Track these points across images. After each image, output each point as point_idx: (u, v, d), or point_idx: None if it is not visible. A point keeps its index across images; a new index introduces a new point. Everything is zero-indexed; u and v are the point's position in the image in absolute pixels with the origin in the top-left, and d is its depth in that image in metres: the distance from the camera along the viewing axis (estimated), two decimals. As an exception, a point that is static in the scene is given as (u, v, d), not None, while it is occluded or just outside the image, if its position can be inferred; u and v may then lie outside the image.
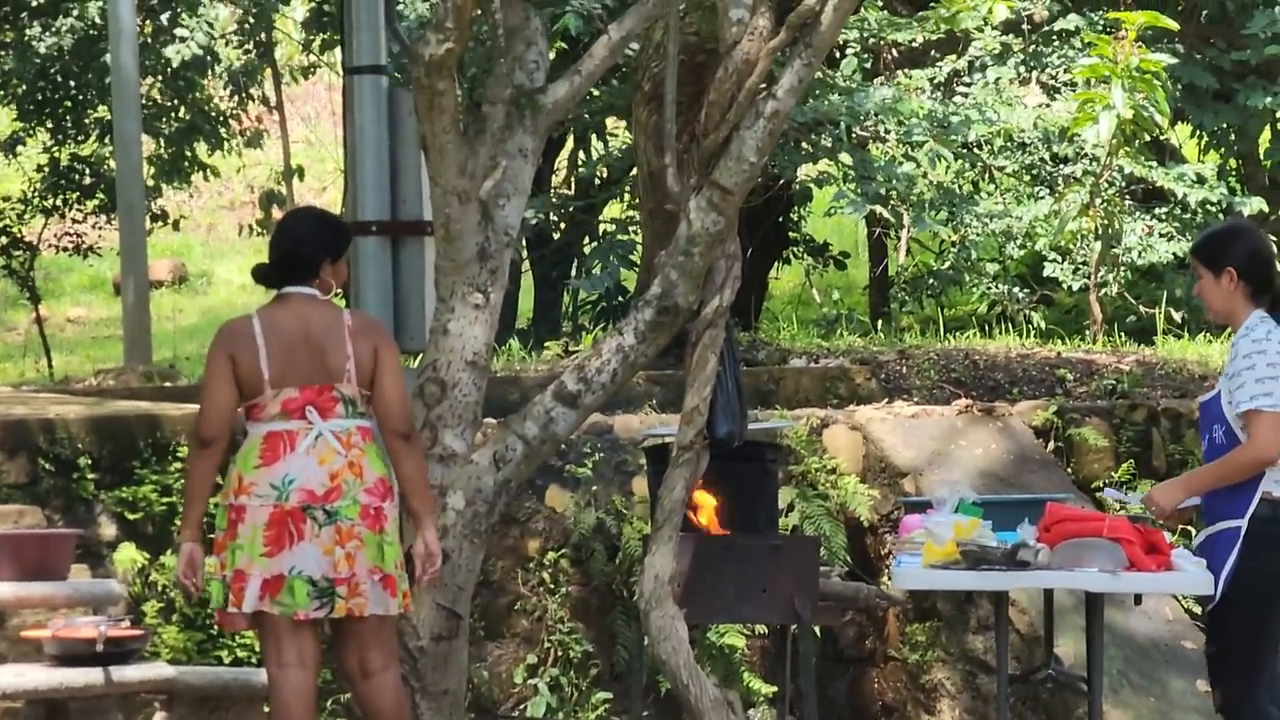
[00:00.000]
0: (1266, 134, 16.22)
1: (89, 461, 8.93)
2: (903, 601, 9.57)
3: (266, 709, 7.59)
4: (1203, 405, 6.65)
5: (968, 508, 7.07)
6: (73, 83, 18.05)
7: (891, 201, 14.13)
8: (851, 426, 10.16)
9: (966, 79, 14.76)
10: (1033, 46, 15.05)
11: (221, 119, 19.38)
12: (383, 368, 6.47)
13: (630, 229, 14.89)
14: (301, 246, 6.55)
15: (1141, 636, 9.23)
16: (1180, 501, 6.64)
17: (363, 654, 6.49)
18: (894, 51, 15.49)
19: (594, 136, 16.82)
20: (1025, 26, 15.20)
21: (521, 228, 7.68)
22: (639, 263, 13.38)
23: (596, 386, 7.20)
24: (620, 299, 14.95)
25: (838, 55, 14.68)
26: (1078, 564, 6.60)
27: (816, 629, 8.71)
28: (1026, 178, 14.94)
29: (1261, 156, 16.25)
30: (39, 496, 8.81)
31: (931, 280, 15.33)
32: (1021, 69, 14.89)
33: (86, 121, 18.20)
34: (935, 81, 14.66)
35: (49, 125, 18.22)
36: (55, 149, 18.20)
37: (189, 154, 19.06)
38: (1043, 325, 14.77)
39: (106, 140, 17.49)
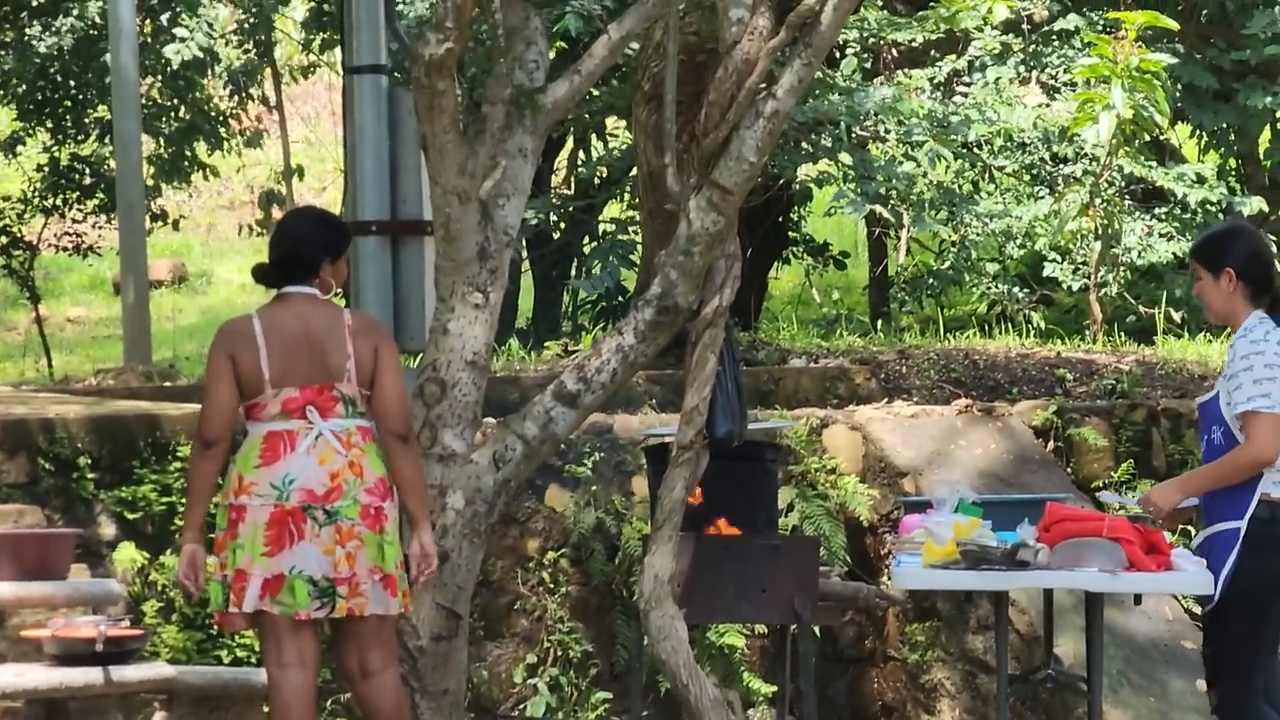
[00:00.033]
0: (1266, 134, 16.22)
1: (89, 461, 8.93)
2: (902, 601, 9.57)
3: (266, 709, 7.58)
4: (1201, 406, 6.66)
5: (967, 507, 7.07)
6: (72, 82, 18.05)
7: (891, 201, 14.13)
8: (851, 426, 10.16)
9: (966, 79, 14.76)
10: (1032, 46, 15.05)
11: (221, 119, 19.39)
12: (382, 368, 6.47)
13: (630, 229, 14.88)
14: (301, 246, 6.55)
15: (1141, 636, 9.24)
16: (1178, 502, 6.64)
17: (362, 654, 6.49)
18: (894, 51, 15.49)
19: (594, 136, 16.82)
20: (1025, 26, 15.20)
21: (521, 227, 7.68)
22: (639, 263, 13.38)
23: (596, 386, 7.20)
24: (620, 299, 14.95)
25: (837, 55, 14.68)
26: (1077, 564, 6.60)
27: (816, 629, 8.72)
28: (1026, 177, 14.95)
29: (1261, 156, 16.25)
30: (39, 496, 8.81)
31: (931, 280, 15.33)
32: (1021, 69, 14.89)
33: (86, 121, 18.20)
34: (935, 81, 14.66)
35: (49, 125, 18.23)
36: (55, 149, 18.21)
37: (189, 154, 19.07)
38: (1042, 325, 14.78)
39: (106, 140, 17.49)
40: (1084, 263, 14.16)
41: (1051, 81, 14.98)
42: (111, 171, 16.68)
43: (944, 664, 9.57)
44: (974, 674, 9.46)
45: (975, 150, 14.69)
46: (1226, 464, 6.46)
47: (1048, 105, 14.73)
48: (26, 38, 17.78)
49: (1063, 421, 10.40)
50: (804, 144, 13.95)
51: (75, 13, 17.73)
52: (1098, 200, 13.77)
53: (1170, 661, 9.12)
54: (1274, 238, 14.18)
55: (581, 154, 17.31)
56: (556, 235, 16.29)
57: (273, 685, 6.48)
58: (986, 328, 14.70)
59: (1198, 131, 16.17)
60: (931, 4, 14.17)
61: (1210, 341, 13.01)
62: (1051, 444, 10.35)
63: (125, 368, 13.37)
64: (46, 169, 18.08)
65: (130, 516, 8.93)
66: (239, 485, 6.38)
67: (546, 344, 13.05)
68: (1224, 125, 15.60)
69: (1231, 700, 6.49)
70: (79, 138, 18.20)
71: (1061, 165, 14.71)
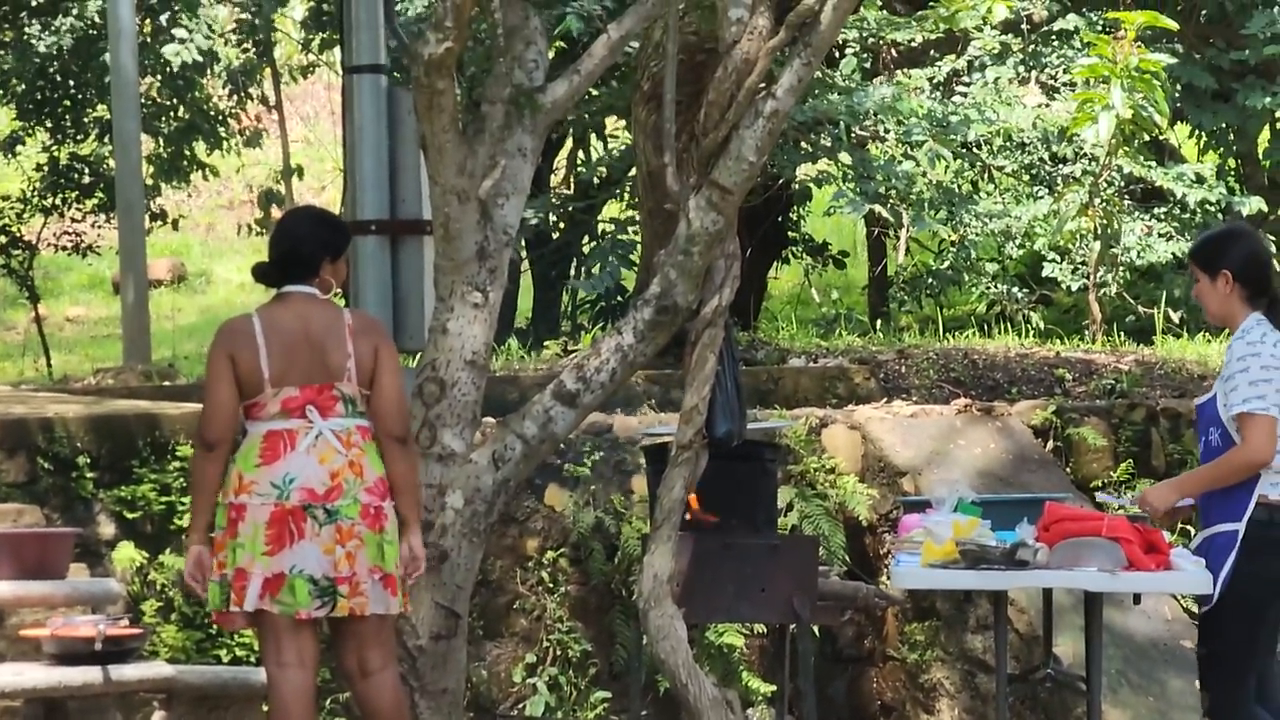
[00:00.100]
0: (1265, 134, 16.22)
1: (88, 460, 8.93)
2: (901, 601, 9.58)
3: (265, 708, 7.58)
4: (1199, 408, 6.66)
5: (966, 507, 7.07)
6: (72, 82, 18.06)
7: (891, 201, 14.14)
8: (850, 426, 10.16)
9: (966, 79, 14.77)
10: (1032, 46, 15.06)
11: (220, 118, 19.39)
12: (382, 367, 6.47)
13: (630, 229, 14.89)
14: (301, 245, 6.55)
15: (1140, 636, 9.24)
16: (1173, 502, 6.64)
17: (362, 653, 6.49)
18: (893, 51, 15.50)
19: (593, 136, 16.83)
20: (1024, 26, 15.21)
21: (521, 227, 7.68)
22: (638, 262, 13.38)
23: (595, 386, 7.20)
24: (619, 298, 14.96)
25: (837, 55, 14.68)
26: (1076, 563, 6.60)
27: (815, 628, 8.72)
28: (1026, 177, 14.96)
29: (1260, 156, 16.26)
30: (38, 495, 8.81)
31: (930, 280, 15.34)
32: (1021, 69, 14.90)
33: (86, 121, 18.21)
34: (934, 81, 14.66)
35: (48, 124, 18.24)
36: (54, 148, 18.22)
37: (188, 153, 19.08)
38: (1042, 325, 14.79)
39: (106, 139, 17.50)
40: (1083, 263, 14.17)
41: (1051, 81, 14.99)
42: (111, 171, 16.68)
43: (943, 663, 9.57)
44: (973, 673, 9.46)
45: (975, 150, 14.70)
46: (1222, 465, 6.46)
47: (1047, 105, 14.73)
48: (26, 37, 17.79)
49: (1062, 421, 10.40)
50: (803, 144, 13.96)
51: (75, 12, 17.74)
52: (1097, 200, 13.77)
53: (1169, 661, 9.13)
54: (1273, 238, 14.18)
55: (581, 154, 17.32)
56: (556, 235, 16.29)
57: (272, 685, 6.48)
58: (986, 327, 14.71)
59: (1197, 131, 16.19)
60: (931, 4, 14.18)
61: (1209, 341, 13.01)
62: (1051, 444, 10.35)
63: (124, 367, 13.37)
64: (46, 168, 18.09)
65: (129, 516, 8.93)
66: (239, 484, 6.38)
67: (546, 343, 13.05)
68: (1223, 125, 15.61)
69: (1224, 702, 6.49)
70: (78, 137, 18.20)
71: (1061, 165, 14.72)
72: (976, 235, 14.59)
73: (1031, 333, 14.23)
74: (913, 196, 14.15)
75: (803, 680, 7.58)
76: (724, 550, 7.31)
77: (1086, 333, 13.83)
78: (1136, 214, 14.25)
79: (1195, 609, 9.10)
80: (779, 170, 13.90)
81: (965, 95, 14.44)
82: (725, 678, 9.35)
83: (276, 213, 20.68)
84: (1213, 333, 13.02)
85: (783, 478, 9.56)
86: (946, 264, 15.22)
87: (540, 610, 9.44)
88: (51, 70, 17.88)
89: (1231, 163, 16.66)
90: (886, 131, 13.95)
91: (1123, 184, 14.13)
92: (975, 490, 8.24)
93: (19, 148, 18.66)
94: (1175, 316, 14.29)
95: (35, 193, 18.04)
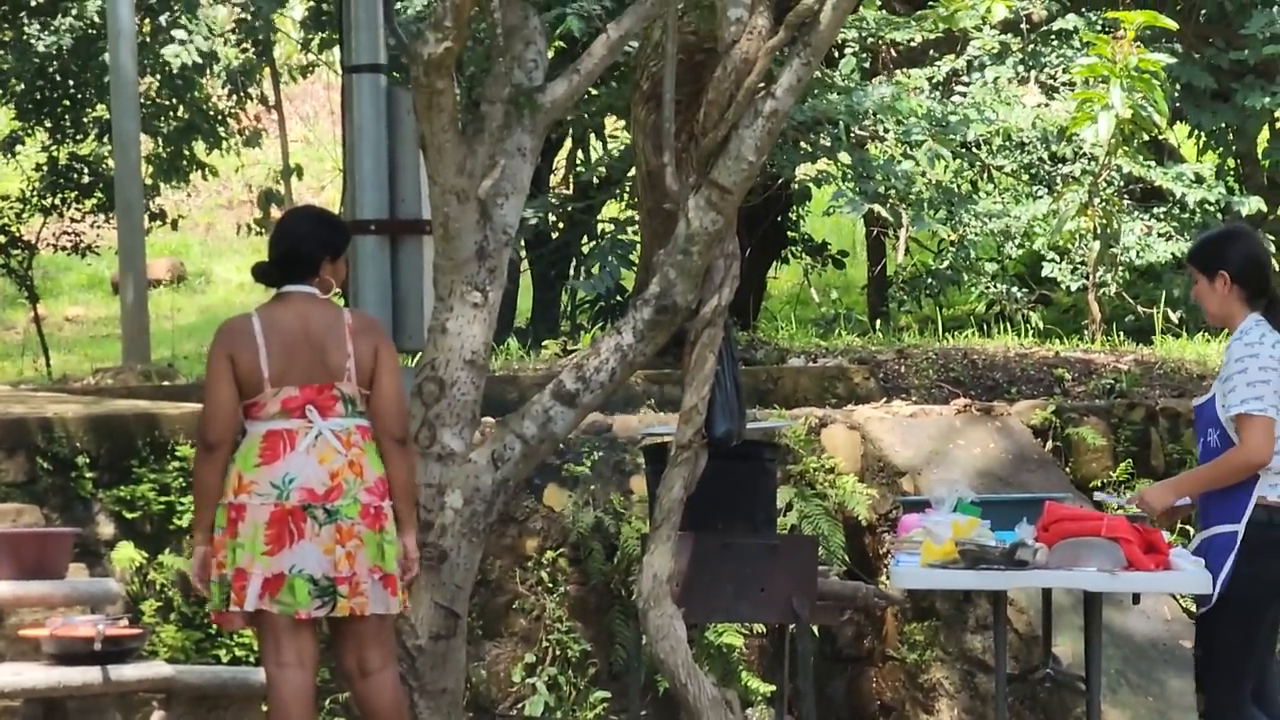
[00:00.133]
0: (1265, 133, 16.23)
1: (87, 460, 8.92)
2: (901, 601, 9.58)
3: (265, 708, 7.58)
4: (1197, 409, 6.65)
5: (966, 507, 7.06)
6: (71, 82, 18.05)
7: (890, 201, 14.14)
8: (850, 426, 10.16)
9: (965, 78, 14.77)
10: (1031, 46, 15.06)
11: (220, 118, 19.39)
12: (382, 368, 6.47)
13: (629, 229, 14.89)
14: (301, 245, 6.55)
15: (1140, 636, 9.24)
16: (1170, 502, 6.65)
17: (361, 653, 6.49)
18: (892, 51, 15.50)
19: (593, 136, 16.83)
20: (1024, 26, 15.21)
21: (520, 227, 7.68)
22: (638, 262, 13.39)
23: (595, 385, 7.19)
24: (619, 298, 14.96)
25: (836, 54, 14.68)
26: (1076, 563, 6.59)
27: (815, 628, 8.73)
28: (1025, 177, 14.96)
29: (1260, 156, 16.26)
30: (37, 495, 8.81)
31: (930, 279, 15.35)
32: (1020, 68, 14.90)
33: (85, 120, 18.21)
34: (934, 81, 14.66)
35: (47, 124, 18.23)
36: (54, 148, 18.21)
37: (187, 153, 19.08)
38: (1041, 325, 14.79)
39: (105, 139, 17.50)
40: (1082, 262, 14.17)
41: (1050, 81, 14.99)
42: (110, 171, 16.68)
43: (942, 663, 9.57)
44: (972, 673, 9.46)
45: (974, 150, 14.70)
46: (1220, 466, 6.45)
47: (1046, 105, 14.74)
48: (25, 37, 17.79)
49: (1061, 421, 10.40)
50: (803, 143, 13.96)
51: (74, 12, 17.73)
52: (1096, 200, 13.78)
53: (1168, 661, 9.13)
54: (1272, 238, 14.18)
55: (580, 154, 17.32)
56: (555, 235, 16.29)
57: (271, 684, 6.47)
58: (985, 327, 14.71)
59: (1196, 131, 16.19)
60: (930, 3, 14.18)
61: (1209, 341, 13.01)
62: (1050, 443, 10.35)
63: (124, 367, 13.37)
64: (45, 168, 18.09)
65: (129, 516, 8.93)
66: (238, 484, 6.38)
67: (545, 343, 13.05)
68: (1222, 125, 15.62)
69: (1220, 703, 6.48)
70: (77, 137, 18.20)
71: (1060, 165, 14.72)
72: (976, 235, 14.60)
73: (1031, 333, 14.23)
74: (912, 196, 14.15)
75: (802, 680, 7.58)
76: (723, 550, 7.31)
77: (1086, 333, 13.83)
78: (1136, 214, 14.26)
79: (1194, 609, 9.12)
80: (778, 170, 13.90)
81: (964, 95, 14.44)
82: (724, 677, 9.35)
83: (276, 212, 20.69)
84: (1212, 333, 13.02)
85: (782, 477, 9.56)
86: (946, 264, 15.23)
87: (539, 610, 9.44)
88: (51, 70, 17.88)
89: (1231, 162, 16.66)
90: (886, 131, 13.95)
91: (1122, 184, 14.13)
92: (974, 490, 8.23)
93: (18, 147, 18.66)
94: (1174, 316, 14.30)
95: (34, 192, 18.03)
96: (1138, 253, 13.99)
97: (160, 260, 23.41)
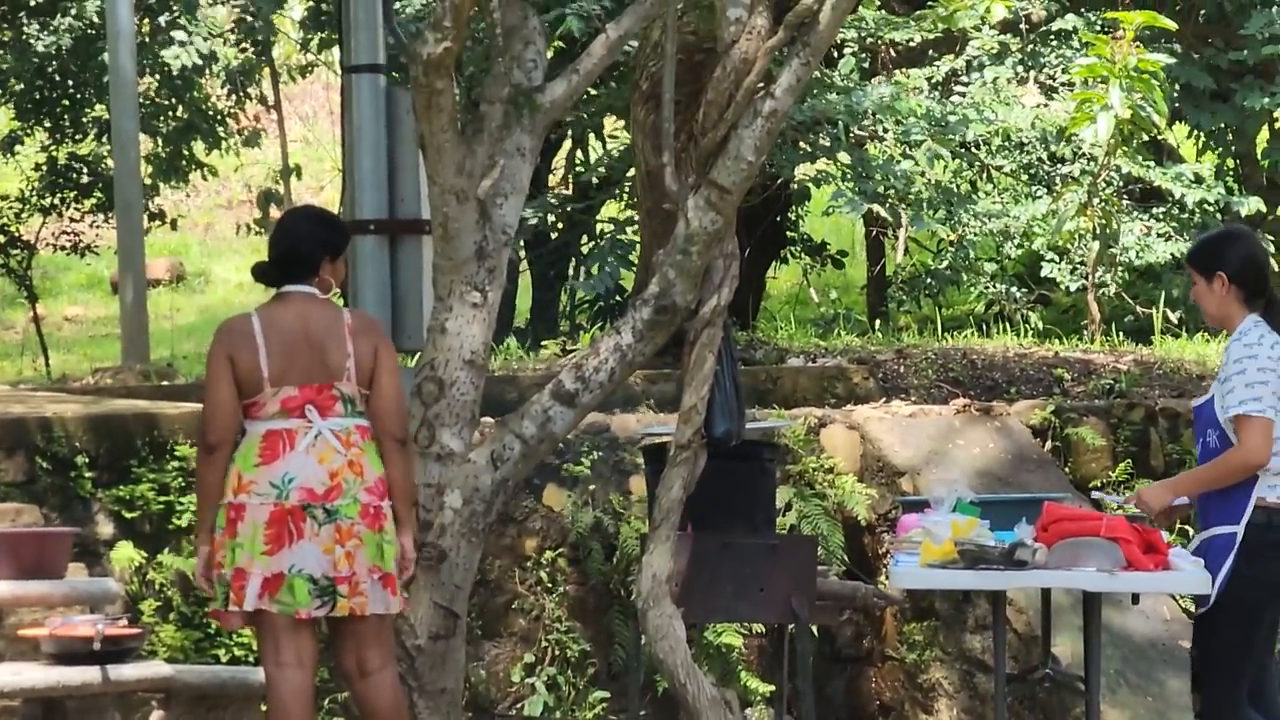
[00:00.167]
0: (1264, 134, 16.23)
1: (86, 460, 8.92)
2: (900, 601, 9.57)
3: (264, 708, 7.58)
4: (1196, 410, 6.65)
5: (965, 507, 7.07)
6: (70, 82, 18.06)
7: (889, 201, 14.13)
8: (849, 426, 10.16)
9: (964, 78, 14.77)
10: (1030, 46, 15.06)
11: (219, 118, 19.40)
12: (381, 368, 6.48)
13: (628, 229, 14.89)
14: (300, 244, 6.55)
15: (1139, 636, 9.24)
16: (1168, 502, 6.65)
17: (360, 653, 6.49)
18: (892, 51, 15.50)
19: (592, 136, 16.82)
20: (1023, 26, 15.21)
21: (520, 227, 7.68)
22: (637, 262, 13.38)
23: (594, 385, 7.19)
24: (618, 298, 14.96)
25: (835, 54, 14.68)
26: (1075, 563, 6.59)
27: (814, 628, 8.73)
28: (1024, 177, 14.96)
29: (1259, 156, 16.26)
30: (36, 495, 8.80)
31: (929, 280, 15.34)
32: (1019, 69, 14.90)
33: (84, 120, 18.21)
34: (933, 81, 14.66)
35: (47, 124, 18.24)
36: (53, 148, 18.22)
37: (187, 153, 19.08)
38: (1040, 325, 14.78)
39: (104, 139, 17.50)
40: (1082, 262, 14.17)
41: (1049, 81, 14.99)
42: (109, 171, 16.68)
43: (942, 663, 9.57)
44: (972, 673, 9.46)
45: (973, 150, 14.70)
46: (1219, 466, 6.45)
47: (1046, 105, 14.74)
48: (25, 37, 17.79)
49: (1061, 421, 10.40)
50: (802, 143, 13.95)
51: (73, 12, 17.74)
52: (1095, 200, 13.77)
53: (1168, 661, 9.13)
54: (1271, 238, 14.18)
55: (580, 154, 17.31)
56: (555, 235, 16.29)
57: (270, 684, 6.47)
58: (984, 327, 14.70)
59: (1195, 131, 16.19)
60: (929, 3, 14.17)
61: (1208, 341, 13.01)
62: (1049, 444, 10.35)
63: (123, 367, 13.36)
64: (44, 168, 18.09)
65: (128, 515, 8.93)
66: (238, 484, 6.38)
67: (544, 343, 13.04)
68: (1221, 125, 15.62)
69: (1218, 703, 6.48)
70: (77, 137, 18.21)
71: (1059, 165, 14.72)
72: (975, 235, 14.59)
73: (1030, 333, 14.23)
74: (911, 196, 14.14)
75: (801, 680, 7.58)
76: (722, 550, 7.31)
77: (1085, 333, 13.83)
78: (1135, 214, 14.25)
79: (1193, 609, 9.12)
80: (778, 170, 13.89)
81: (964, 95, 14.43)
82: (724, 677, 9.35)
83: (275, 212, 20.70)
84: (1211, 333, 13.02)
85: (781, 477, 9.56)
86: (945, 264, 15.22)
87: (539, 610, 9.44)
88: (50, 70, 17.88)
89: (1230, 163, 16.66)
90: (885, 131, 13.95)
91: (1121, 184, 14.13)
92: (974, 490, 8.23)
93: (17, 147, 18.66)
94: (1174, 316, 14.29)
95: (34, 192, 18.03)
96: (1137, 253, 13.99)
97: (159, 260, 23.41)
